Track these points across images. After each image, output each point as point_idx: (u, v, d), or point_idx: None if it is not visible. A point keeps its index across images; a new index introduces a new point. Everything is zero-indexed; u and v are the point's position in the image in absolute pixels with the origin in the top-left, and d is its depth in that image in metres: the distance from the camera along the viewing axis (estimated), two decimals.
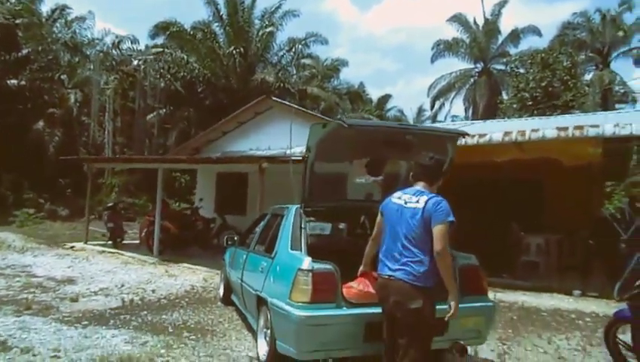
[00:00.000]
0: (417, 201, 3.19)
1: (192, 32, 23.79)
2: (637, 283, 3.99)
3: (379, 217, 3.47)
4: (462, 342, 3.68)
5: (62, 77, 24.68)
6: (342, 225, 6.10)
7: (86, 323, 5.48)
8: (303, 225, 4.12)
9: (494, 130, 8.99)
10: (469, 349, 4.80)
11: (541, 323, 6.09)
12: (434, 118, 30.18)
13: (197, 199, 14.52)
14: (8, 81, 21.92)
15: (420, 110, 35.52)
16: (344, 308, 3.53)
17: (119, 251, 11.55)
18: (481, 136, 8.62)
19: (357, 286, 3.69)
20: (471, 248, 5.05)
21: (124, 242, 13.09)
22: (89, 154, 22.21)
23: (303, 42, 24.83)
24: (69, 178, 21.22)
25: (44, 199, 20.66)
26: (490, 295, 7.50)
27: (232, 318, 5.91)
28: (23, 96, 22.29)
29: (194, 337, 5.08)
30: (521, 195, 10.89)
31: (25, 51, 23.05)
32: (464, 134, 4.27)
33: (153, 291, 7.42)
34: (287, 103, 14.95)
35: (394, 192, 3.44)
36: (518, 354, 4.85)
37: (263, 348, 4.13)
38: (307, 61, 26.53)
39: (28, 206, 19.90)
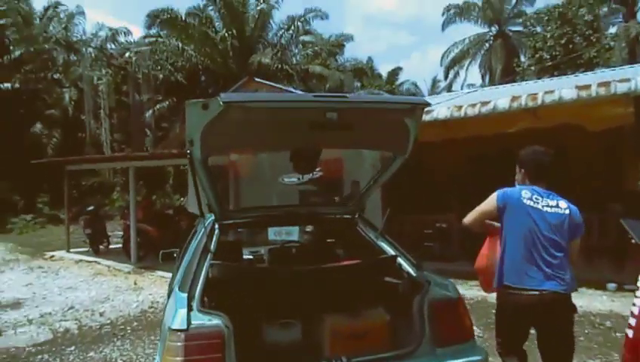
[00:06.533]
0: (557, 206, 2.86)
1: (185, 19, 22.67)
2: None
3: (494, 205, 2.90)
4: None
5: (57, 76, 23.99)
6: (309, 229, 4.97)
7: None
8: (212, 248, 2.94)
9: (503, 96, 7.55)
10: None
11: None
12: (449, 88, 28.24)
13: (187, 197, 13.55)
14: (1, 85, 21.25)
15: (434, 81, 33.38)
16: None
17: (97, 259, 10.65)
18: (483, 104, 7.18)
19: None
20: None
21: (112, 246, 12.23)
22: (88, 153, 21.46)
23: (302, 19, 23.47)
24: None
25: (43, 203, 20.06)
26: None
27: None
28: (18, 100, 21.61)
29: None
30: None
31: (17, 53, 22.34)
32: (425, 104, 2.87)
33: (101, 314, 6.38)
34: (271, 84, 13.59)
35: (516, 189, 2.93)
36: None
37: None
38: (307, 38, 25.02)
39: (26, 212, 19.39)
